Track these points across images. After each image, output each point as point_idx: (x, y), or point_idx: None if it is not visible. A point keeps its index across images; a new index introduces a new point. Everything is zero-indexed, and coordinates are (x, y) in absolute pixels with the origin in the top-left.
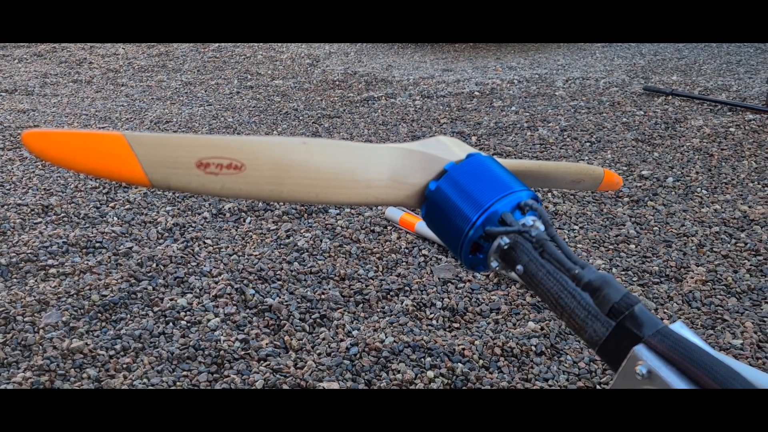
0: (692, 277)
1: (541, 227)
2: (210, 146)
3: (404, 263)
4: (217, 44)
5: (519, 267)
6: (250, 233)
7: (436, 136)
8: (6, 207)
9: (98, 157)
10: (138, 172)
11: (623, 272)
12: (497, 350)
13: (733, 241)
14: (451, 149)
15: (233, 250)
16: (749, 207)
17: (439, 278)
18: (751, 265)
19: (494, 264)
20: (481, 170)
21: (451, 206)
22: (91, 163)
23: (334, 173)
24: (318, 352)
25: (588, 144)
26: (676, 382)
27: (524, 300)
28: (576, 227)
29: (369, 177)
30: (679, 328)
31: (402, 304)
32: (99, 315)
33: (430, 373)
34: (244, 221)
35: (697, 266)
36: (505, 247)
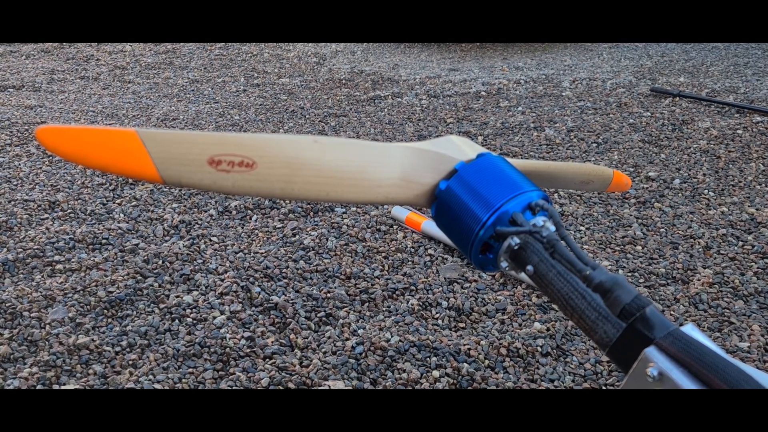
0: (699, 280)
1: (552, 228)
2: (222, 144)
3: (410, 262)
4: (223, 42)
5: (529, 267)
6: (256, 231)
7: (446, 135)
8: (13, 203)
9: (111, 153)
10: (150, 169)
11: (630, 274)
12: (503, 350)
13: (740, 243)
14: (462, 149)
15: (239, 247)
16: (756, 209)
17: (445, 278)
18: (758, 267)
19: (504, 264)
20: (491, 170)
21: (462, 206)
22: (103, 159)
23: (345, 172)
24: (323, 350)
25: (595, 145)
26: (687, 384)
27: (530, 300)
28: (582, 228)
29: (379, 176)
30: (691, 330)
31: (408, 303)
32: (105, 311)
33: (436, 373)
34: (250, 219)
35: (704, 268)
36: (516, 247)
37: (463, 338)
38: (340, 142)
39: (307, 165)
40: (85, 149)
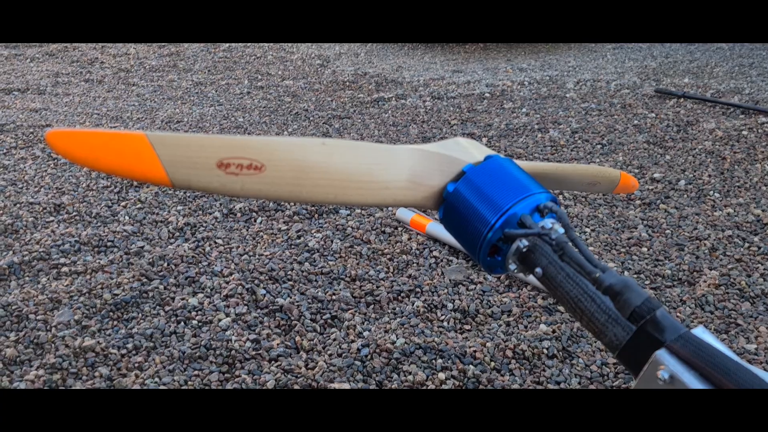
0: (705, 281)
1: (561, 230)
2: (231, 147)
3: (415, 264)
4: (227, 44)
5: (538, 270)
6: (261, 233)
7: (453, 137)
8: (18, 205)
9: (121, 156)
10: (160, 172)
11: (635, 275)
12: (508, 353)
13: (747, 244)
14: (470, 151)
15: (244, 249)
16: (762, 211)
17: (450, 280)
18: (764, 269)
19: (513, 266)
20: (499, 172)
21: (470, 208)
22: (113, 162)
23: (353, 174)
24: (329, 352)
25: (599, 146)
26: (698, 387)
27: (536, 302)
28: (587, 230)
29: (387, 178)
30: (702, 332)
31: (413, 305)
32: (111, 314)
33: (442, 375)
34: (255, 221)
35: (710, 270)
36: (524, 249)
37: (468, 340)
38: (347, 145)
39: (315, 168)
40: (95, 153)
